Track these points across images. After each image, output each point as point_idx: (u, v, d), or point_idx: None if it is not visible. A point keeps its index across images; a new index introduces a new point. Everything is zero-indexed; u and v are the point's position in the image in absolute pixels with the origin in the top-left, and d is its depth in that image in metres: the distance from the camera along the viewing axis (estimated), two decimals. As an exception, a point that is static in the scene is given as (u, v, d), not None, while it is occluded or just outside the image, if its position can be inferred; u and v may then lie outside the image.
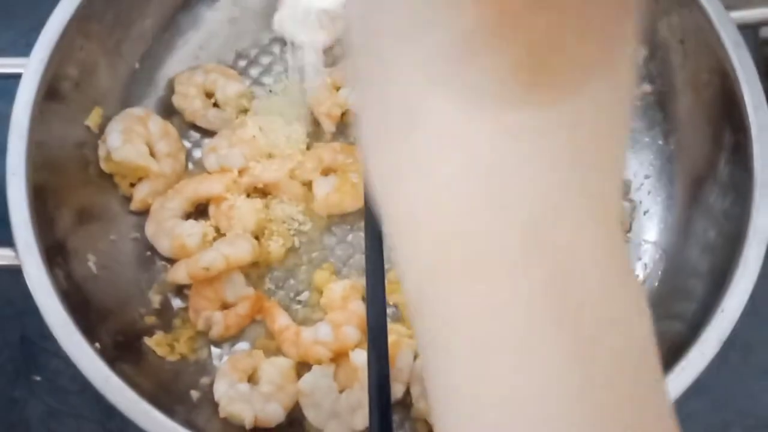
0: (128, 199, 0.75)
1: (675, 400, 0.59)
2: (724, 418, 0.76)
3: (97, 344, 0.60)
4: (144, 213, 0.74)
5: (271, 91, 0.81)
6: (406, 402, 0.68)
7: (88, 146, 0.74)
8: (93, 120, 0.74)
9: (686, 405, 0.60)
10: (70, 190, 0.71)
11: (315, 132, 0.79)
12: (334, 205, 0.74)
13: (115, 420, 0.75)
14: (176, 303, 0.73)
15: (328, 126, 0.78)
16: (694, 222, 0.72)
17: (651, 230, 0.76)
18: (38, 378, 0.78)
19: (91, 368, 0.59)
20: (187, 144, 0.79)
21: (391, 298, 0.71)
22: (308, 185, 0.75)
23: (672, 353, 0.62)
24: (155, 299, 0.72)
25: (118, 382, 0.59)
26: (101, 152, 0.74)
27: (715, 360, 0.60)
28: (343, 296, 0.70)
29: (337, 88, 0.79)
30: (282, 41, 0.83)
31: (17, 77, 0.67)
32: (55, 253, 0.65)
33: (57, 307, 0.61)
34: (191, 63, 0.81)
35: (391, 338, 0.68)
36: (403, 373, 0.67)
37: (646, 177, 0.78)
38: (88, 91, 0.73)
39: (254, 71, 0.82)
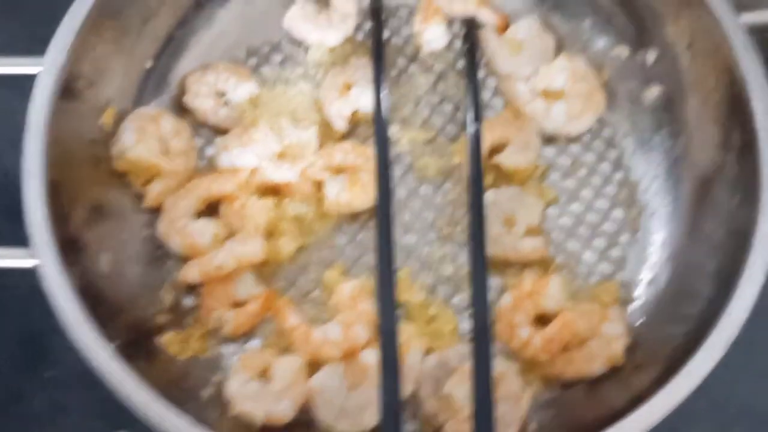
0: (141, 197, 0.75)
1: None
2: (726, 418, 0.76)
3: (113, 344, 0.61)
4: (156, 211, 0.75)
5: (281, 89, 0.81)
6: (413, 401, 0.69)
7: (100, 145, 0.74)
8: (107, 119, 0.74)
9: (688, 404, 0.60)
10: (84, 187, 0.71)
11: (326, 131, 0.79)
12: (345, 204, 0.75)
13: (123, 416, 0.75)
14: (188, 302, 0.74)
15: (340, 125, 0.78)
16: (702, 223, 0.73)
17: (658, 231, 0.76)
18: (47, 374, 0.78)
19: (108, 370, 0.60)
20: (199, 141, 0.80)
21: (400, 297, 0.72)
22: (319, 185, 0.76)
23: (679, 354, 0.62)
24: (167, 298, 0.73)
25: (133, 384, 0.60)
26: (114, 151, 0.74)
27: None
28: (352, 296, 0.71)
29: (348, 87, 0.80)
30: (293, 39, 0.84)
31: (31, 77, 0.67)
32: (69, 251, 0.65)
33: (74, 307, 0.61)
34: (203, 61, 0.81)
35: (400, 339, 0.68)
36: (412, 372, 0.68)
37: (654, 178, 0.78)
38: (102, 90, 0.74)
39: (266, 69, 0.83)
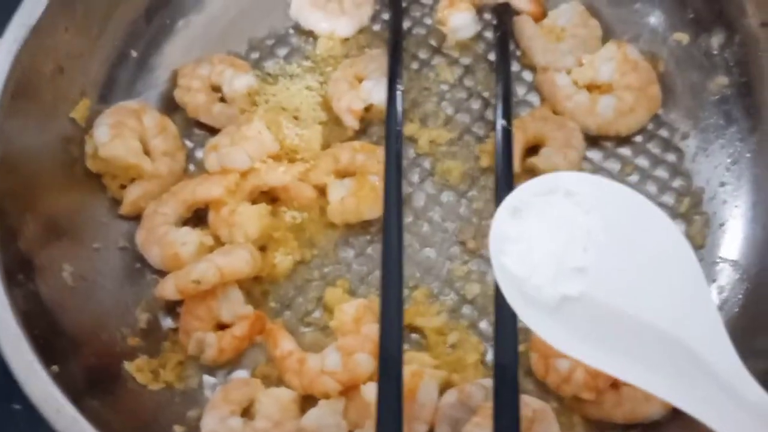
0: (118, 202, 0.66)
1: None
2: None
3: (55, 367, 0.51)
4: (135, 220, 0.65)
5: (284, 84, 0.71)
6: (427, 446, 0.57)
7: (74, 142, 0.65)
8: (79, 112, 0.65)
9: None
10: (47, 192, 0.61)
11: (334, 132, 0.69)
12: (351, 211, 0.64)
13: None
14: (166, 323, 0.63)
15: (351, 122, 0.68)
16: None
17: (729, 246, 0.64)
18: (18, 406, 0.69)
19: (49, 407, 0.50)
20: (190, 144, 0.70)
21: (415, 321, 0.61)
22: (322, 189, 0.65)
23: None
24: (142, 318, 0.63)
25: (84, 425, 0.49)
26: (88, 149, 0.65)
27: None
28: (355, 318, 0.60)
29: (360, 79, 0.70)
30: (301, 30, 0.74)
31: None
32: (16, 270, 0.55)
33: (15, 336, 0.51)
34: (197, 53, 0.72)
35: (413, 368, 0.57)
36: (425, 411, 0.56)
37: (721, 185, 0.66)
38: (75, 79, 0.65)
39: (269, 63, 0.73)
